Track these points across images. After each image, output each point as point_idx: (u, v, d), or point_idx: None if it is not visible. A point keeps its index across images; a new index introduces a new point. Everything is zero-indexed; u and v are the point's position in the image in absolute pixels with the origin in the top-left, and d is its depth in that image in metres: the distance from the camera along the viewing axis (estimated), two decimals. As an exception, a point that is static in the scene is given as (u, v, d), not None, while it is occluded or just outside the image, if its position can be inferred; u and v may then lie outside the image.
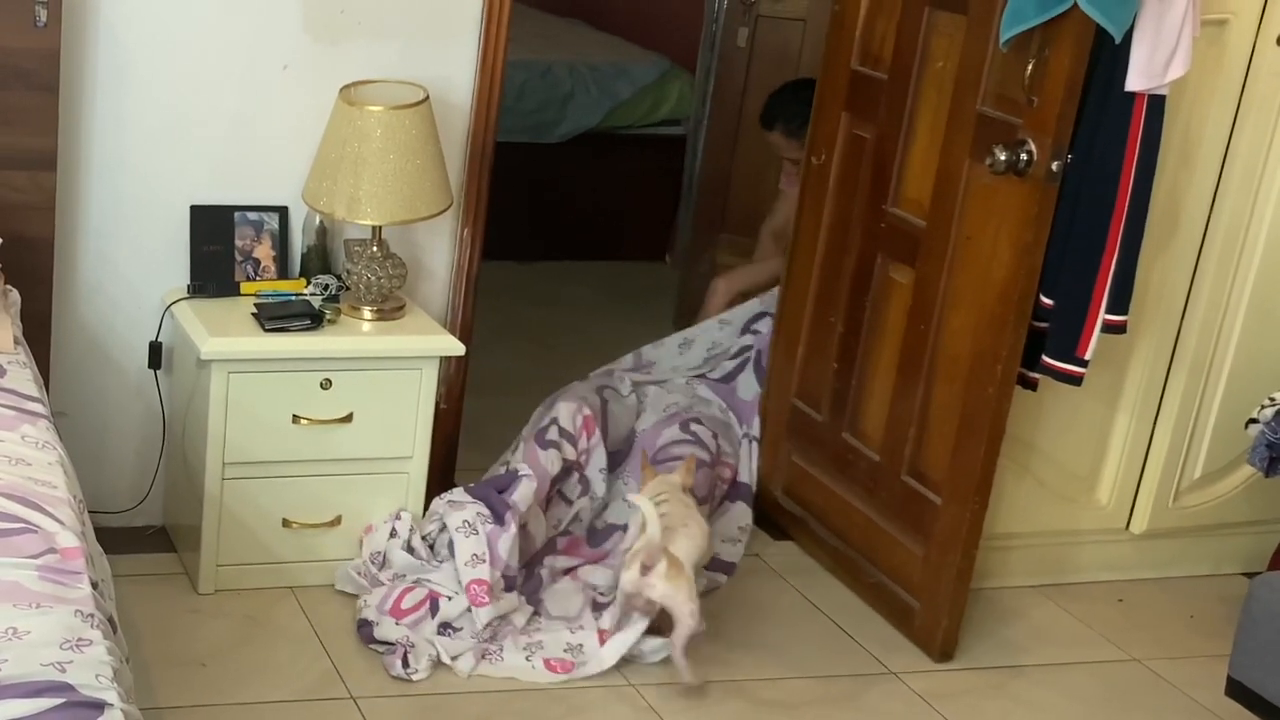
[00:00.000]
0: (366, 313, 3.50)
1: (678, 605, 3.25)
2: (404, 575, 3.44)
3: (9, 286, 3.12)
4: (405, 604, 3.36)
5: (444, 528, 3.47)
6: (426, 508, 3.58)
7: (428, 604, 3.36)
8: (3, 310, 3.00)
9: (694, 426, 4.02)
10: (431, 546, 3.49)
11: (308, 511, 3.49)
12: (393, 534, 3.49)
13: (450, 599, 3.34)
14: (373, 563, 3.47)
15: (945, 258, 3.50)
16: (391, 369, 3.47)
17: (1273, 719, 3.03)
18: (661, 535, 3.22)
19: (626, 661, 3.36)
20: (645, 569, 3.23)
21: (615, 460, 3.92)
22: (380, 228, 3.47)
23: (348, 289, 3.55)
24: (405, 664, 3.23)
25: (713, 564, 3.79)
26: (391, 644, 3.28)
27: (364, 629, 3.34)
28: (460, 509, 3.47)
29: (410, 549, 3.46)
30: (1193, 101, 3.60)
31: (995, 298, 3.36)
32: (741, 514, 4.00)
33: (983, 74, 3.39)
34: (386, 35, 3.55)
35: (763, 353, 4.23)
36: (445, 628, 3.33)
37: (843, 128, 3.85)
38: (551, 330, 5.36)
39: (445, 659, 3.26)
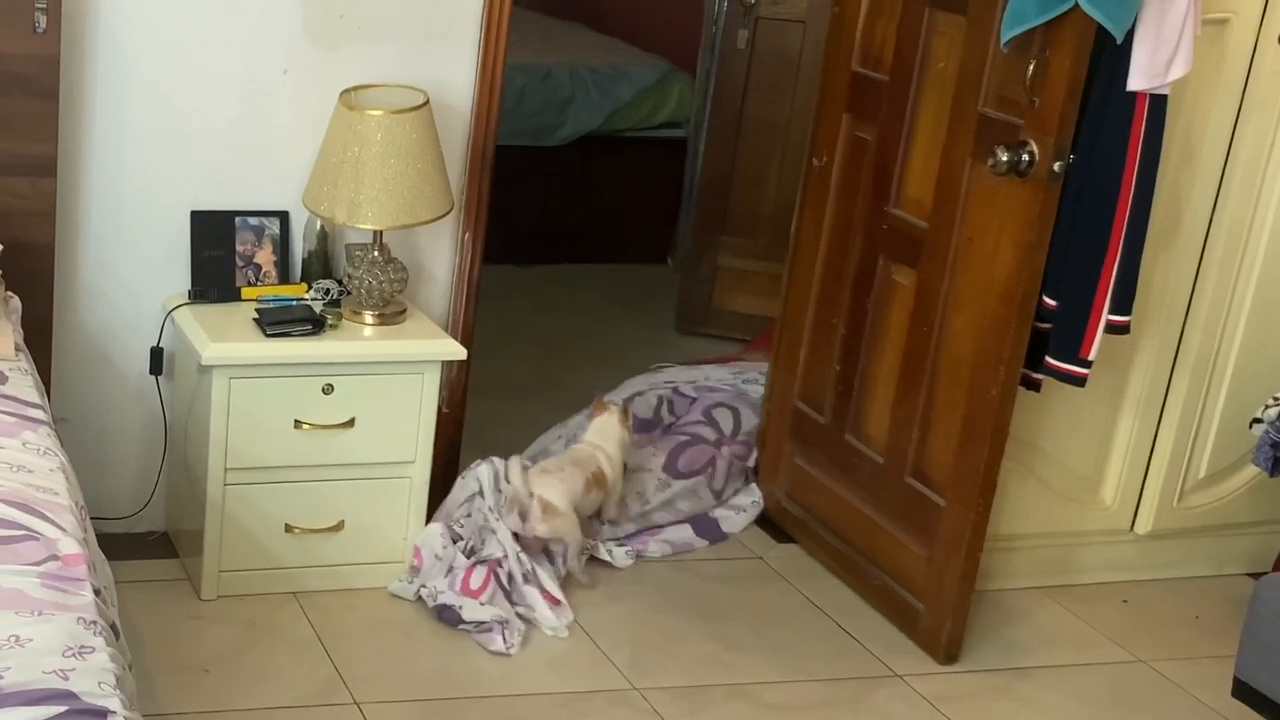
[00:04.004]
0: (368, 317, 3.50)
1: (565, 534, 3.59)
2: (467, 549, 3.52)
3: (10, 293, 3.12)
4: (474, 584, 3.44)
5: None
6: (429, 513, 3.59)
7: (492, 579, 3.45)
8: (3, 317, 2.99)
9: (715, 411, 4.16)
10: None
11: (310, 517, 3.49)
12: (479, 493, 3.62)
13: (506, 556, 3.49)
14: (459, 522, 3.58)
15: (947, 259, 3.50)
16: (393, 373, 3.47)
17: (1278, 720, 3.03)
18: (525, 482, 3.57)
19: (629, 666, 3.38)
20: (523, 517, 3.52)
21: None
22: (381, 232, 3.47)
23: (349, 293, 3.54)
24: (504, 639, 3.35)
25: (699, 527, 3.97)
26: (484, 622, 3.36)
27: (446, 613, 3.41)
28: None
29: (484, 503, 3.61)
30: (1194, 101, 3.60)
31: (998, 299, 3.35)
32: (754, 491, 4.13)
33: (984, 75, 3.38)
34: (387, 39, 3.55)
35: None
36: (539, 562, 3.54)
37: (844, 129, 3.84)
38: (553, 333, 5.35)
39: (575, 570, 3.63)
